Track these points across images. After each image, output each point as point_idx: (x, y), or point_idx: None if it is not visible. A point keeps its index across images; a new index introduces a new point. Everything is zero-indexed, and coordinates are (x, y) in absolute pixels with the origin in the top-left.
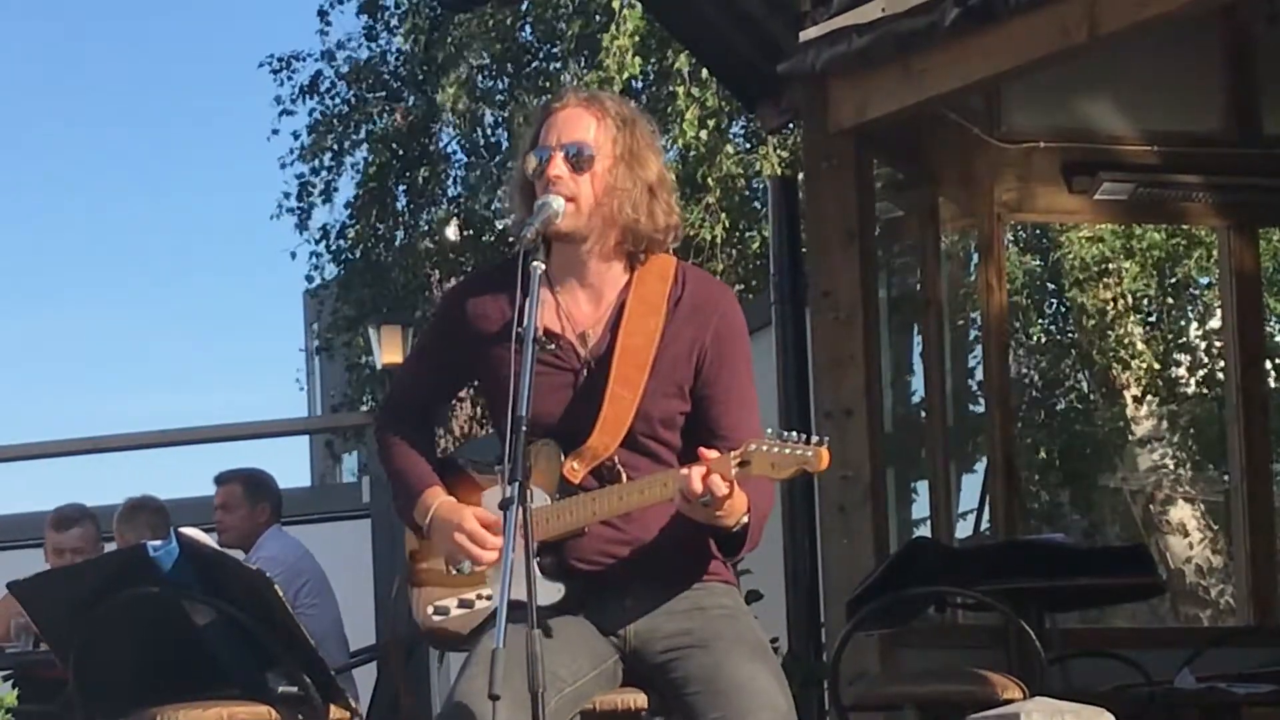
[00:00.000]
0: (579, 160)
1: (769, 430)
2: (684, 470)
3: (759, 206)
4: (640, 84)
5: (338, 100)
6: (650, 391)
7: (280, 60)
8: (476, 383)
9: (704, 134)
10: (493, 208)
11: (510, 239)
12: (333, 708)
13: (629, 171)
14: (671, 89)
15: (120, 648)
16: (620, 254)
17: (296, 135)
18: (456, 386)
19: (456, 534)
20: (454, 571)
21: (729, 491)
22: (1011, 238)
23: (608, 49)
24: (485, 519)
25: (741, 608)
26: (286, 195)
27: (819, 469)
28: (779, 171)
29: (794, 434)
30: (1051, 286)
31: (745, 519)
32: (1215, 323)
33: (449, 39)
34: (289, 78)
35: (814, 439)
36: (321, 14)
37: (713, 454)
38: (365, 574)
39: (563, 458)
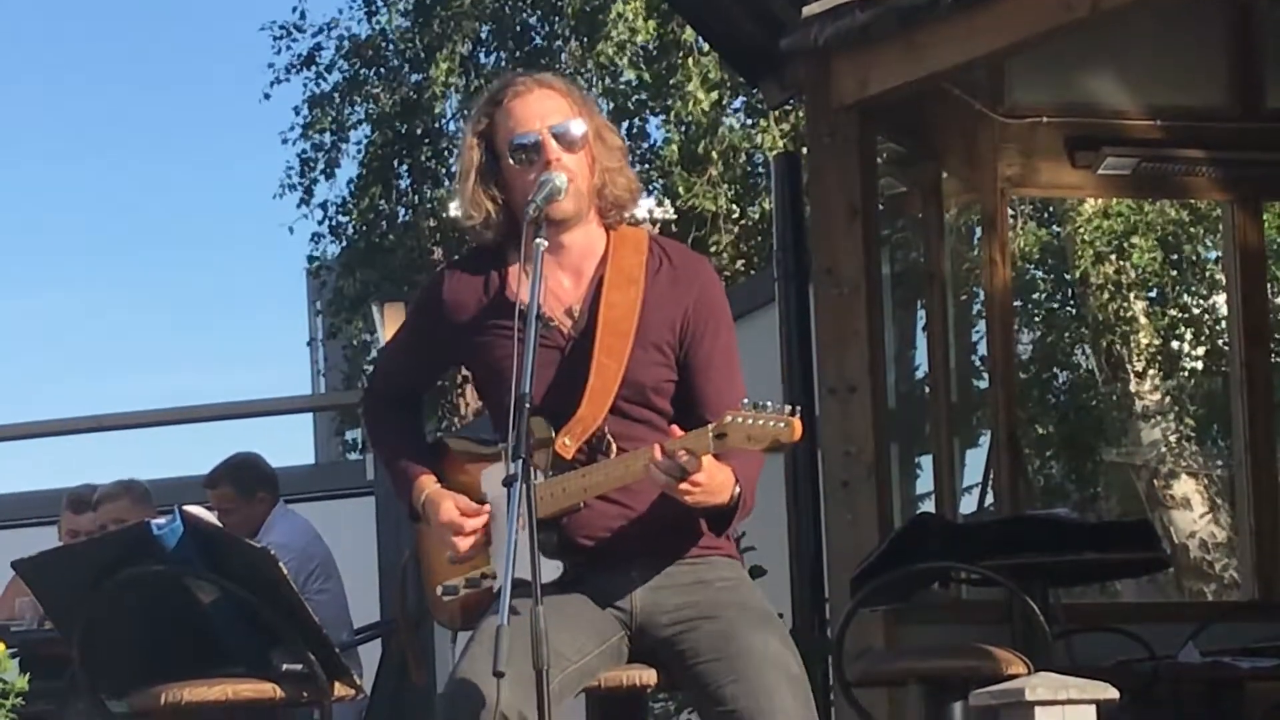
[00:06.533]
0: (571, 140)
1: (744, 401)
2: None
3: (759, 180)
4: (652, 51)
5: (335, 75)
6: (635, 359)
7: (282, 28)
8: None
9: (707, 105)
10: None
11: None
12: (337, 684)
13: (604, 146)
14: (677, 60)
15: (125, 626)
16: (600, 222)
17: (297, 110)
18: (440, 370)
19: (436, 526)
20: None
21: (698, 466)
22: (1030, 210)
23: (621, 14)
24: (464, 506)
25: (744, 579)
26: (289, 173)
27: (792, 440)
28: (780, 145)
29: (768, 405)
30: (1051, 261)
31: (736, 489)
32: (1220, 297)
33: (439, 18)
34: (289, 46)
35: (787, 409)
36: None
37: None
38: (369, 551)
39: (554, 434)
